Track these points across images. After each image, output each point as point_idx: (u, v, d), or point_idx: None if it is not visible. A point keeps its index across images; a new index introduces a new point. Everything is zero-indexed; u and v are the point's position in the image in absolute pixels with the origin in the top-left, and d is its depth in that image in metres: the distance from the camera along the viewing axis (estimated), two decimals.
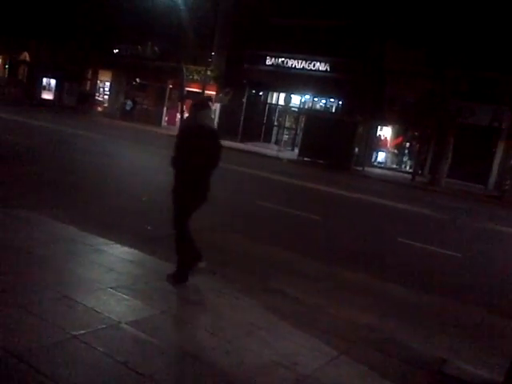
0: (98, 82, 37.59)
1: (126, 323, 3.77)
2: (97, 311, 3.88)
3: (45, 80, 39.52)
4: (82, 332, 3.50)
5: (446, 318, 5.54)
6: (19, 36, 35.69)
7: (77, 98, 35.53)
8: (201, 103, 5.14)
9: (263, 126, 30.30)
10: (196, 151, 4.81)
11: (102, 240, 5.89)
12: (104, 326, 3.67)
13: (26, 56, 39.97)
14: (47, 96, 39.13)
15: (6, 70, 41.75)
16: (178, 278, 4.87)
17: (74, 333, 3.46)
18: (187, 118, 5.55)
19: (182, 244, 4.93)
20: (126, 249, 5.75)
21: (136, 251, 5.74)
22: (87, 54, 33.93)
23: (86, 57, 34.26)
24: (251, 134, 29.20)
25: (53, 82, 39.03)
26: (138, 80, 34.46)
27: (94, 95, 36.18)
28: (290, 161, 23.80)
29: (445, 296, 6.33)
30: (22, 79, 40.49)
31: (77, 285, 4.43)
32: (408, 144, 27.24)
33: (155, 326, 3.84)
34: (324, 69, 27.08)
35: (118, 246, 5.79)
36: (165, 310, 4.21)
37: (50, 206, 7.25)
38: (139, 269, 5.24)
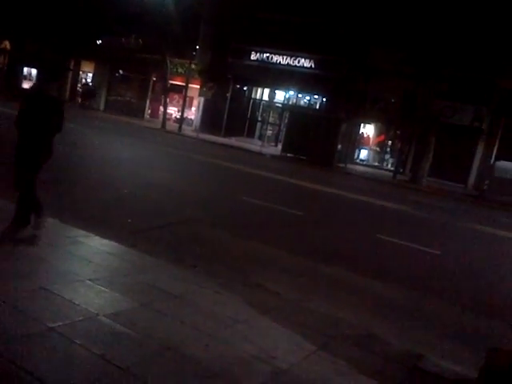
0: (81, 72, 37.09)
1: (104, 315, 3.74)
2: (74, 303, 3.83)
3: (26, 69, 38.82)
4: (59, 324, 3.45)
5: (424, 315, 5.61)
6: None
7: (81, 94, 33.91)
8: (50, 74, 5.65)
9: (247, 121, 30.27)
10: (39, 117, 5.28)
11: (81, 232, 5.82)
12: (82, 318, 3.63)
13: (6, 44, 39.20)
14: (28, 85, 38.47)
15: None
16: (18, 223, 5.34)
17: (51, 325, 3.42)
18: (34, 84, 6.01)
19: (26, 199, 5.38)
20: (105, 241, 5.68)
21: (116, 244, 5.69)
22: (70, 44, 33.39)
23: (68, 47, 33.71)
24: (235, 129, 29.15)
25: (34, 71, 38.35)
26: (121, 72, 34.09)
27: (96, 90, 34.08)
28: (273, 156, 23.84)
29: (423, 293, 6.41)
30: (2, 68, 39.73)
31: (54, 276, 4.37)
32: (390, 142, 27.51)
33: (134, 318, 3.81)
34: (309, 65, 27.13)
35: (98, 238, 5.72)
36: (144, 302, 4.18)
37: None
38: (119, 261, 5.19)
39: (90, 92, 33.45)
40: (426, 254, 8.63)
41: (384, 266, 7.46)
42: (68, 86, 37.04)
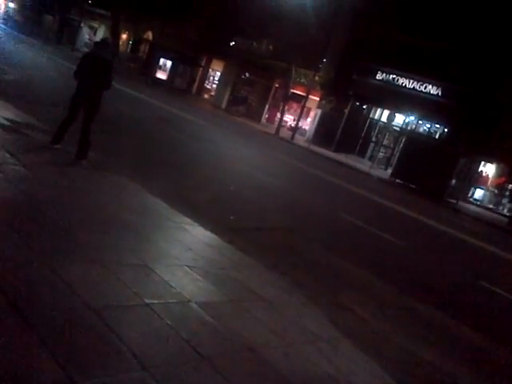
0: (210, 70, 38.94)
1: (195, 303, 3.91)
2: (171, 285, 4.05)
3: (161, 60, 41.52)
4: (155, 302, 3.67)
5: None
6: (146, 14, 37.76)
7: (232, 100, 34.88)
8: (107, 43, 7.57)
9: (360, 140, 29.80)
10: (93, 73, 6.89)
11: (186, 219, 6.12)
12: (175, 301, 3.83)
13: (149, 35, 42.31)
14: (161, 76, 41.11)
15: (129, 46, 44.46)
16: (54, 140, 7.10)
17: (147, 301, 3.65)
18: (95, 48, 7.41)
19: (65, 122, 7.03)
20: (207, 233, 5.93)
21: (216, 237, 5.91)
22: (205, 41, 35.21)
23: (203, 44, 35.57)
24: (346, 146, 28.85)
25: (169, 63, 40.93)
26: (247, 74, 35.24)
27: (248, 99, 34.75)
28: (380, 179, 23.24)
29: None
30: (142, 56, 42.93)
31: (157, 256, 4.65)
32: (511, 186, 25.55)
33: (222, 311, 3.94)
34: (435, 92, 26.10)
35: (201, 228, 5.99)
36: (234, 298, 4.31)
37: (145, 177, 7.65)
38: (216, 254, 5.39)
39: (241, 99, 34.41)
40: None
41: (482, 316, 6.96)
42: (197, 82, 39.11)
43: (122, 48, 41.39)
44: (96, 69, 6.93)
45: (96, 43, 7.60)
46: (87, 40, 45.67)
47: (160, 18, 36.86)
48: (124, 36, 43.79)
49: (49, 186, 5.63)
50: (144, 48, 43.39)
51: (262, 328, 3.95)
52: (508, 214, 22.97)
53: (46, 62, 25.48)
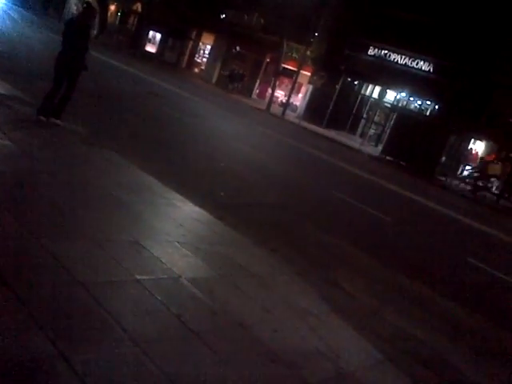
0: (200, 43, 38.34)
1: (185, 278, 3.92)
2: (161, 261, 4.05)
3: (151, 33, 40.77)
4: (145, 278, 3.67)
5: (506, 352, 5.27)
6: None
7: (228, 76, 32.99)
8: (93, 11, 7.68)
9: (351, 117, 29.71)
10: (77, 39, 7.22)
11: (177, 196, 6.10)
12: (165, 277, 3.83)
13: (138, 6, 41.41)
14: (150, 49, 40.46)
15: (118, 18, 43.53)
16: (41, 111, 7.12)
17: (138, 277, 3.65)
18: (80, 15, 7.71)
19: (51, 93, 7.15)
20: (197, 209, 5.92)
21: (206, 213, 5.90)
22: (195, 14, 34.53)
23: (193, 17, 34.89)
24: (337, 122, 28.76)
25: (158, 35, 40.21)
26: (237, 48, 34.75)
27: (245, 76, 33.12)
28: (371, 156, 23.28)
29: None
30: (131, 29, 42.10)
31: (148, 233, 4.64)
32: (500, 164, 25.71)
33: (212, 287, 3.96)
34: (427, 69, 25.99)
35: (191, 204, 5.97)
36: (223, 274, 4.32)
37: (136, 153, 7.58)
38: (206, 230, 5.40)
39: (238, 76, 32.95)
40: None
41: (469, 292, 7.07)
42: (187, 55, 38.51)
43: (110, 20, 40.53)
44: (80, 35, 7.24)
45: (89, 11, 7.64)
46: (75, 11, 44.60)
47: None
48: (112, 7, 42.84)
49: (36, 160, 5.56)
50: (133, 20, 42.54)
51: (251, 303, 3.98)
52: (496, 192, 23.16)
53: (33, 33, 24.90)
